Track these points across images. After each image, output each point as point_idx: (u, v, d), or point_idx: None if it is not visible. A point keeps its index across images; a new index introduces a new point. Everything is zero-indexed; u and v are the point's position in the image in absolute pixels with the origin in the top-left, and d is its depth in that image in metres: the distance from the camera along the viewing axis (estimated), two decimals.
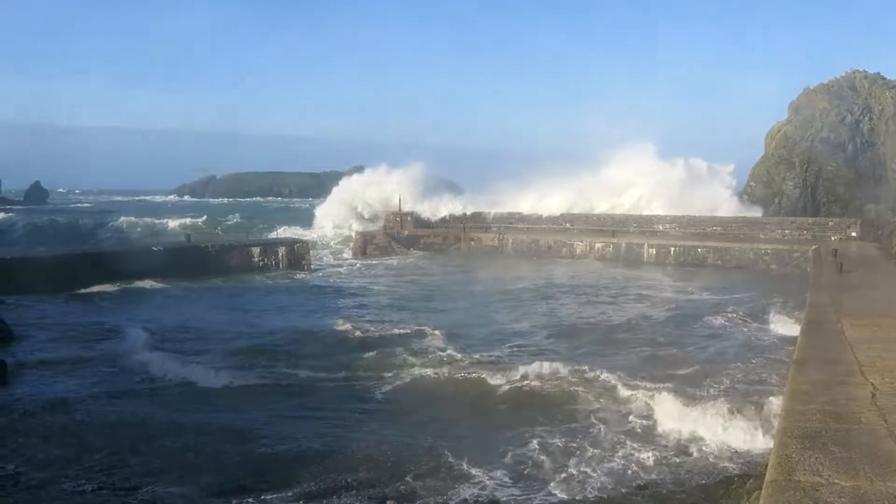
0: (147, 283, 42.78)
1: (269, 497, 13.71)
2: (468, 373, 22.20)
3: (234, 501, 13.54)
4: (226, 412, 19.00)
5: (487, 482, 14.46)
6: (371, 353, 24.67)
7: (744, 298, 36.83)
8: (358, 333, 28.10)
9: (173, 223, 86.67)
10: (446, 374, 22.18)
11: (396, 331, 28.58)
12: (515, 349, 25.87)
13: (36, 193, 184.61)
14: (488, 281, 45.80)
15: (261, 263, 52.07)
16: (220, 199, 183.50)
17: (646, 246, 55.53)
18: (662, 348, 25.86)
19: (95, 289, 40.31)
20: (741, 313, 31.83)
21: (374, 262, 57.87)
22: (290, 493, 13.86)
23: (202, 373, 22.16)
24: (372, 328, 29.16)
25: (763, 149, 78.10)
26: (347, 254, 63.20)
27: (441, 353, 24.41)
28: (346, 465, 15.20)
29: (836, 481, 7.87)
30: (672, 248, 54.44)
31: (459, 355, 24.12)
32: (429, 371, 22.52)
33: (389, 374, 22.27)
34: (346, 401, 19.98)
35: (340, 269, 54.07)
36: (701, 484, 14.42)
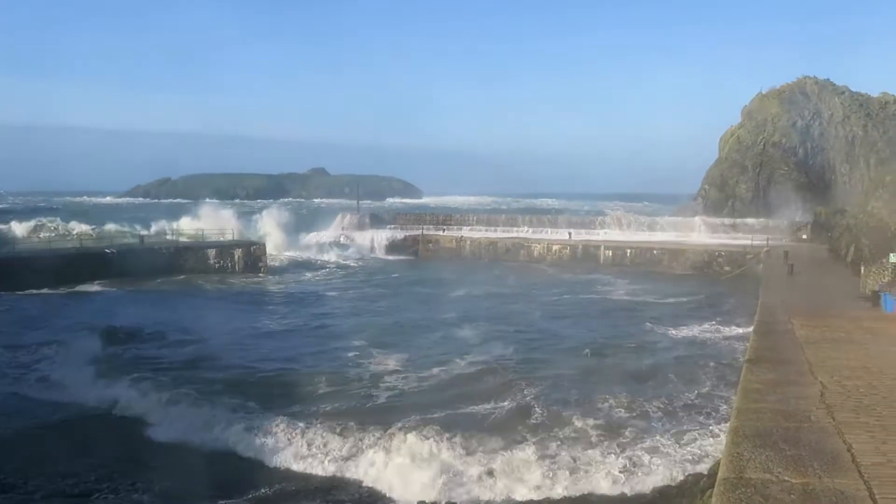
0: (95, 287, 42.26)
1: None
2: None
3: None
4: None
5: None
6: None
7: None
8: None
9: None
10: None
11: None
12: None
13: None
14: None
15: (217, 265, 51.37)
16: (174, 200, 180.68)
17: (602, 248, 55.99)
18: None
19: (45, 291, 39.99)
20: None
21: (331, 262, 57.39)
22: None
23: None
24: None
25: (717, 152, 79.46)
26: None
27: None
28: None
29: (786, 478, 7.97)
30: (628, 251, 54.91)
31: None
32: None
33: None
34: None
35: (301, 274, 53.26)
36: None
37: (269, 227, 66.36)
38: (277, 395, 20.96)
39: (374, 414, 19.07)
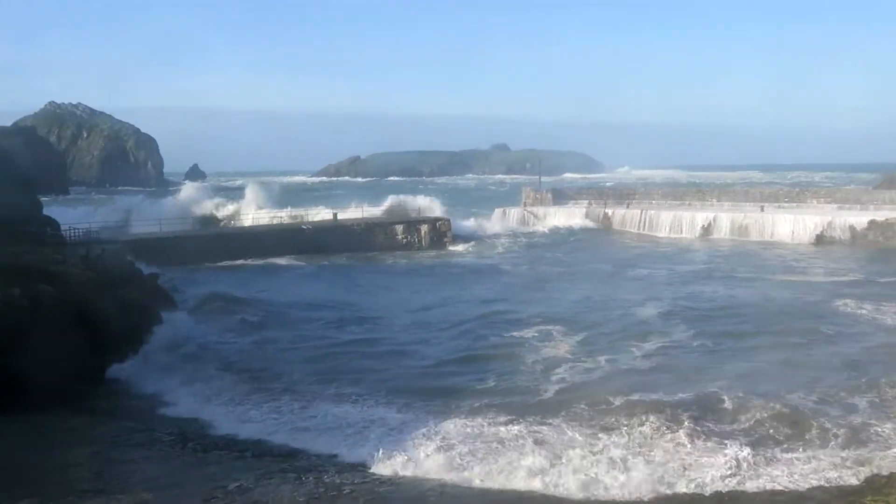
0: (284, 260, 45.47)
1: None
2: None
3: None
4: None
5: None
6: None
7: None
8: None
9: None
10: None
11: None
12: None
13: (194, 175, 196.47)
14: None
15: (404, 241, 53.23)
16: (363, 178, 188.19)
17: None
18: None
19: (239, 262, 44.10)
20: None
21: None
22: None
23: None
24: None
25: None
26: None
27: None
28: None
29: None
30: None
31: None
32: None
33: None
34: None
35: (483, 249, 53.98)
36: None
37: (451, 203, 67.50)
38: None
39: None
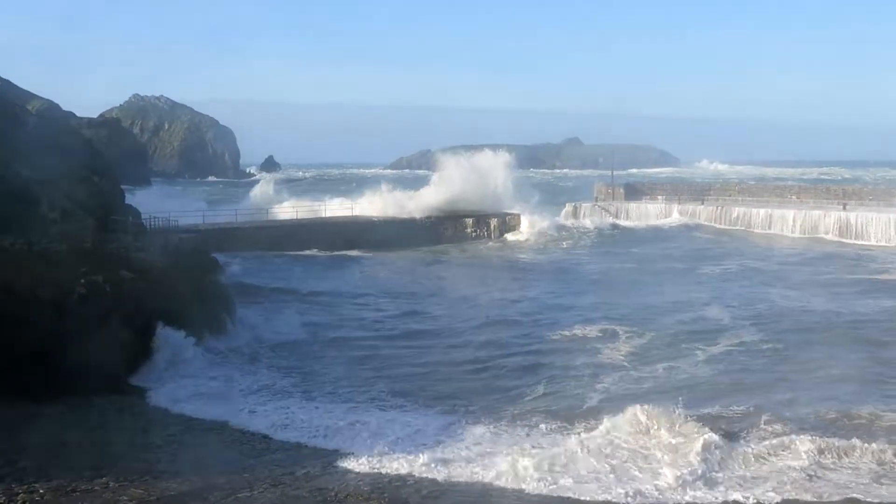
0: (354, 252, 46.09)
1: None
2: None
3: None
4: None
5: None
6: None
7: None
8: None
9: None
10: None
11: None
12: None
13: (269, 166, 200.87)
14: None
15: (473, 234, 53.35)
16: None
17: None
18: None
19: (307, 252, 45.08)
20: None
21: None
22: None
23: None
24: None
25: None
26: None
27: None
28: None
29: None
30: None
31: None
32: None
33: None
34: None
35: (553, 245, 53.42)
36: None
37: (524, 197, 65.59)
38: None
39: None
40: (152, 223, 36.41)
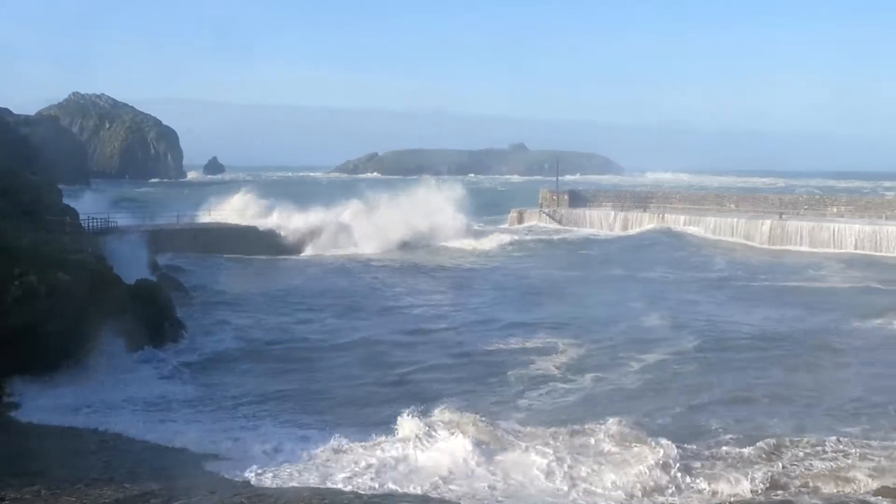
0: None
1: None
2: None
3: None
4: None
5: None
6: None
7: None
8: None
9: None
10: None
11: None
12: None
13: (213, 168, 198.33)
14: None
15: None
16: (380, 175, 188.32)
17: None
18: None
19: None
20: None
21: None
22: None
23: None
24: None
25: None
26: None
27: None
28: None
29: None
30: None
31: None
32: None
33: None
34: None
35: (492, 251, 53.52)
36: None
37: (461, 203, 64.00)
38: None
39: None
40: (91, 224, 35.71)
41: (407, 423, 15.84)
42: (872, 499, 12.93)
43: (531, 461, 14.63)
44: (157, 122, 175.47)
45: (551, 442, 15.52)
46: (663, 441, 15.12)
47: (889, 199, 64.57)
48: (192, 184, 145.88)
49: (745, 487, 13.69)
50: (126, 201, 74.13)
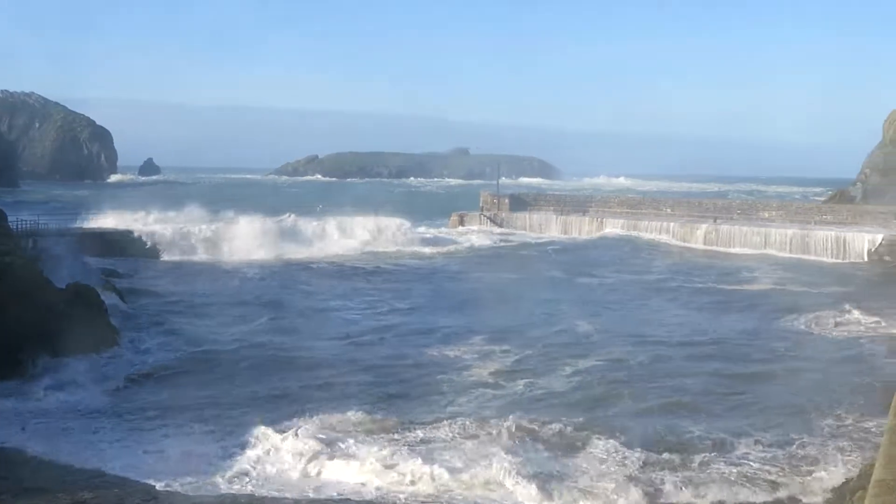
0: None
1: None
2: None
3: None
4: None
5: None
6: None
7: None
8: None
9: None
10: None
11: None
12: None
13: (148, 169, 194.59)
14: None
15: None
16: (321, 177, 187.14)
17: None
18: None
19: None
20: None
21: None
22: None
23: None
24: None
25: (881, 135, 74.04)
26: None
27: None
28: None
29: None
30: None
31: None
32: None
33: None
34: None
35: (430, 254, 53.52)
36: None
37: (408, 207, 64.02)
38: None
39: None
40: (19, 226, 34.63)
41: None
42: None
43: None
44: (91, 122, 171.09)
45: None
46: None
47: (818, 205, 66.71)
48: (118, 185, 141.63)
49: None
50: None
